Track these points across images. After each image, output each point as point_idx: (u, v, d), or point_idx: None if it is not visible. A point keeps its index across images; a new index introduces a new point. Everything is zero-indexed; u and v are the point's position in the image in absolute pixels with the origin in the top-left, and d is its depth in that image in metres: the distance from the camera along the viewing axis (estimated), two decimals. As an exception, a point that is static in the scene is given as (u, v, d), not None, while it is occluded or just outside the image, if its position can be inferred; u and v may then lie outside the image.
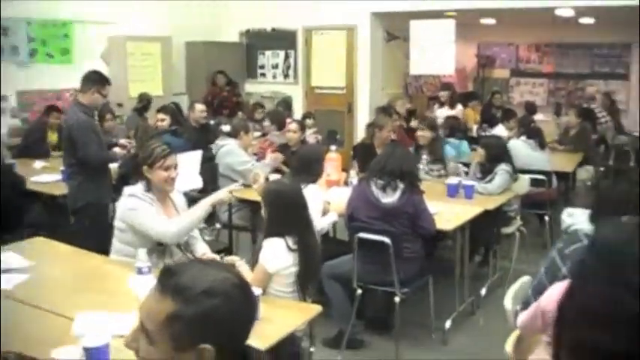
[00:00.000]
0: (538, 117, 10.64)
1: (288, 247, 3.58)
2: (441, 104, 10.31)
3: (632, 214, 2.84)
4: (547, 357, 2.34)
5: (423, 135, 6.66)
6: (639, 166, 10.05)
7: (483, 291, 5.77)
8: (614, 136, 11.35)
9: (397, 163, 4.61)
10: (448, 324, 5.10)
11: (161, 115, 7.60)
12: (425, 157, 6.55)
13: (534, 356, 2.60)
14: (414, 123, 8.77)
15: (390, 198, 4.54)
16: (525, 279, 3.32)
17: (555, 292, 2.46)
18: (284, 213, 3.63)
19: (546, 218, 6.82)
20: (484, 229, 5.60)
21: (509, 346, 2.87)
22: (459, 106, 10.19)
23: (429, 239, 4.80)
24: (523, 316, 2.69)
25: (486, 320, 5.32)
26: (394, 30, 10.90)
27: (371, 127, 7.08)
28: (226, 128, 6.86)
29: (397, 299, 4.54)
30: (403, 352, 4.69)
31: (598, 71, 13.77)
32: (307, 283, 3.69)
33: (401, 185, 4.54)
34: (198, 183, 5.67)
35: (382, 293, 4.79)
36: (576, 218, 3.28)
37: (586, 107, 10.85)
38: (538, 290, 2.81)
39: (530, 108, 11.33)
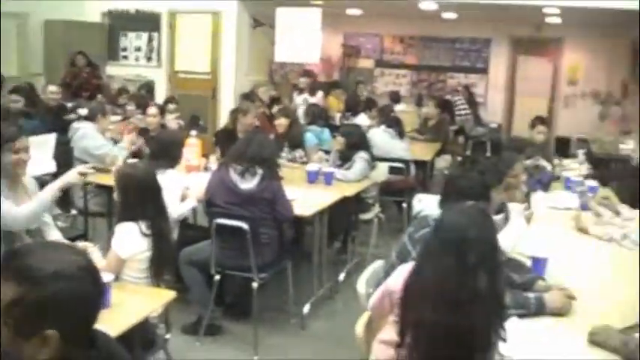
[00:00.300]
0: (400, 107, 10.95)
1: (142, 231, 3.52)
2: (301, 91, 10.42)
3: (476, 200, 3.01)
4: (394, 336, 2.44)
5: (280, 123, 6.75)
6: (495, 156, 10.55)
7: (342, 276, 5.89)
8: (472, 128, 11.85)
9: (256, 149, 4.63)
10: (307, 309, 5.19)
11: (14, 97, 7.29)
12: (285, 144, 6.63)
13: (382, 335, 2.68)
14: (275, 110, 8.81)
15: (248, 184, 4.55)
16: (378, 263, 3.41)
17: (401, 273, 2.57)
18: (136, 197, 3.56)
19: (404, 205, 7.05)
20: (343, 215, 5.73)
21: (359, 327, 2.93)
22: (320, 94, 10.32)
23: (292, 225, 4.86)
24: (372, 298, 2.78)
25: (344, 304, 5.45)
26: (261, 16, 10.89)
27: (234, 113, 7.07)
28: (84, 111, 6.65)
29: (255, 285, 4.56)
30: (262, 337, 4.73)
31: (459, 65, 14.31)
32: (161, 269, 3.63)
33: (260, 171, 4.56)
34: (51, 167, 5.47)
35: (240, 279, 4.80)
36: (426, 204, 3.45)
37: (445, 99, 11.29)
38: (389, 274, 2.89)
39: (394, 97, 11.68)
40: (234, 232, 4.50)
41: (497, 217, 4.26)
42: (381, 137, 7.31)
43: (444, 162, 8.89)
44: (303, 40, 9.52)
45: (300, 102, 9.69)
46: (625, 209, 4.97)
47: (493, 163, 4.17)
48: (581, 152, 7.74)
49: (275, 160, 4.93)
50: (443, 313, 2.27)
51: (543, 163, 6.24)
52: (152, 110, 6.74)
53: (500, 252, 2.72)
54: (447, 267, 2.29)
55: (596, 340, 2.72)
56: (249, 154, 4.61)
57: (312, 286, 5.38)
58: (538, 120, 7.18)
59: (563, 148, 11.13)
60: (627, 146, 7.97)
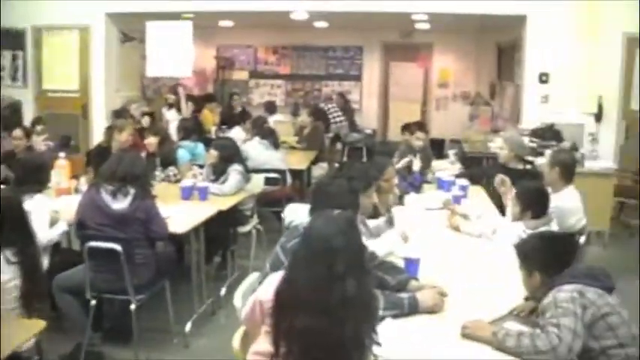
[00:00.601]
0: (276, 117, 11.03)
1: (7, 259, 3.42)
2: (170, 106, 10.32)
3: (343, 207, 3.07)
4: (268, 346, 2.47)
5: (149, 142, 6.67)
6: (370, 161, 10.75)
7: (223, 291, 5.85)
8: (347, 134, 12.06)
9: (128, 167, 4.53)
10: (188, 327, 5.13)
11: None
12: (157, 162, 6.55)
13: (256, 347, 2.68)
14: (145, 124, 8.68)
15: (120, 204, 4.45)
16: (254, 276, 3.41)
17: (271, 283, 2.60)
18: (-1, 224, 3.46)
19: (283, 215, 7.07)
20: (220, 229, 5.71)
21: (236, 341, 2.93)
22: (190, 108, 10.24)
23: (172, 243, 4.80)
24: (244, 310, 2.77)
25: (227, 319, 5.40)
26: (130, 31, 10.69)
27: (109, 130, 6.93)
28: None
29: (133, 306, 4.49)
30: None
31: (333, 72, 14.59)
32: (32, 298, 3.50)
33: (132, 190, 4.46)
34: None
35: (118, 302, 4.70)
36: (298, 213, 3.53)
37: (318, 107, 11.45)
38: (264, 285, 2.94)
39: (270, 108, 11.71)
40: (108, 254, 4.39)
41: (380, 221, 4.40)
42: (256, 149, 7.35)
43: (320, 170, 9.00)
44: (174, 53, 9.42)
45: (171, 117, 9.57)
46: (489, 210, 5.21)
47: (363, 169, 4.25)
48: (452, 152, 8.03)
49: (147, 179, 4.86)
50: (314, 321, 2.32)
51: (415, 164, 6.45)
52: (17, 133, 6.51)
53: (367, 257, 2.83)
54: (316, 275, 2.35)
55: (468, 333, 2.86)
56: (120, 173, 4.50)
57: (192, 304, 5.33)
58: (416, 126, 7.40)
59: (438, 149, 11.48)
60: (495, 144, 8.32)
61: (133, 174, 4.53)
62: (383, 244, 3.96)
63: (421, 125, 7.67)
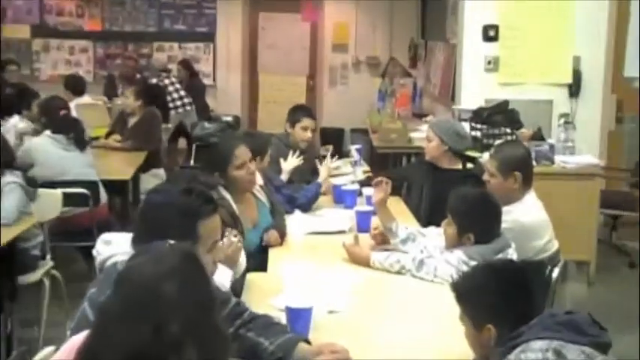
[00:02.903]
0: (82, 100, 10.80)
1: None
2: None
3: (179, 237, 2.99)
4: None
5: None
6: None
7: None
8: (196, 124, 12.10)
9: None
10: None
11: None
12: None
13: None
14: None
15: None
16: (49, 351, 3.22)
17: (65, 351, 2.67)
18: None
19: (93, 252, 6.88)
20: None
21: None
22: None
23: None
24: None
25: None
26: None
27: None
28: None
29: None
30: None
31: (170, 30, 14.78)
32: None
33: None
34: None
35: None
36: (118, 247, 3.47)
37: (151, 84, 11.59)
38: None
39: (72, 84, 11.14)
40: None
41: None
42: (46, 149, 7.19)
43: (154, 180, 8.77)
44: None
45: None
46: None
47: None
48: (354, 148, 7.98)
49: None
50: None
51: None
52: None
53: (220, 308, 2.88)
54: (136, 340, 2.28)
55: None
56: None
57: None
58: (301, 112, 7.31)
59: (334, 143, 11.52)
60: (419, 134, 8.34)
61: None
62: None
63: (307, 111, 7.58)
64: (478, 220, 4.48)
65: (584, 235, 7.57)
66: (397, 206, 6.05)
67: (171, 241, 2.79)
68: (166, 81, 12.36)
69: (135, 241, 3.30)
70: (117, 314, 2.36)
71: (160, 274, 2.38)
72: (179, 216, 3.31)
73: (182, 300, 2.35)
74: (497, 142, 7.15)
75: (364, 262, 4.79)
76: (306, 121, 7.23)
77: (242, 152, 5.05)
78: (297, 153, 6.86)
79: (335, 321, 3.84)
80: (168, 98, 11.86)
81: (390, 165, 9.39)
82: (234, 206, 4.91)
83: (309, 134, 7.18)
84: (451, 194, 4.86)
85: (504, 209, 4.69)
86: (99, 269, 3.51)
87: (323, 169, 6.75)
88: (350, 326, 3.80)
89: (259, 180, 5.40)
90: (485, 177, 5.40)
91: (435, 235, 4.98)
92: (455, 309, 3.28)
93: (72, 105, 9.70)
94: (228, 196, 4.95)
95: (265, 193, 5.51)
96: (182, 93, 12.27)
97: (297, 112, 7.41)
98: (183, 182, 3.94)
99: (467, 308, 3.20)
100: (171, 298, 2.33)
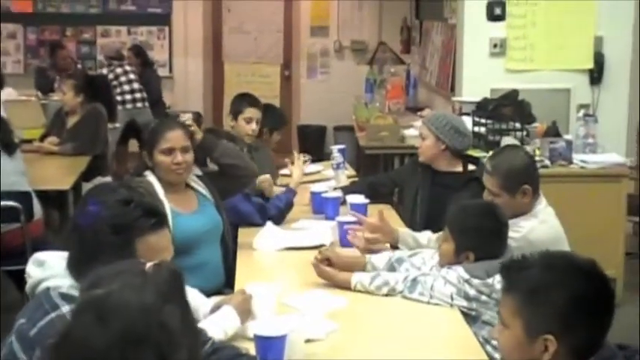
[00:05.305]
0: (9, 95, 10.74)
1: None
2: None
3: (112, 259, 2.84)
4: None
5: None
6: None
7: None
8: (149, 122, 11.92)
9: None
10: None
11: None
12: None
13: None
14: None
15: None
16: None
17: None
18: None
19: (26, 275, 6.86)
20: None
21: None
22: None
23: None
24: None
25: None
26: None
27: None
28: None
29: None
30: None
31: (117, 10, 14.73)
32: None
33: None
34: None
35: None
36: (52, 269, 3.40)
37: (93, 75, 11.54)
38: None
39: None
40: None
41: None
42: None
43: (100, 189, 8.80)
44: None
45: None
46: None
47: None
48: (337, 149, 7.95)
49: None
50: None
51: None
52: None
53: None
54: None
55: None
56: None
57: None
58: (243, 101, 7.27)
59: (313, 143, 11.53)
60: (413, 131, 8.36)
61: None
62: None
63: (248, 98, 7.52)
64: (480, 238, 4.50)
65: (609, 248, 7.51)
66: (388, 215, 6.04)
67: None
68: (118, 70, 12.31)
69: (72, 264, 3.28)
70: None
71: (154, 301, 2.30)
72: (112, 232, 3.26)
73: (184, 326, 2.31)
74: (505, 139, 7.15)
75: (342, 285, 4.74)
76: (250, 111, 7.19)
77: (174, 137, 5.08)
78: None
79: (313, 351, 3.83)
80: (117, 91, 11.84)
81: (380, 168, 9.37)
82: (162, 193, 4.94)
83: (253, 126, 7.14)
84: (450, 207, 4.87)
85: (510, 222, 4.72)
86: (30, 295, 3.45)
87: (295, 170, 6.71)
88: (331, 357, 3.83)
89: (197, 171, 5.42)
90: (486, 197, 5.22)
91: (431, 252, 4.96)
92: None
93: (-3, 101, 9.67)
94: (154, 179, 5.05)
95: (206, 185, 5.46)
96: (135, 86, 12.22)
97: (239, 102, 7.37)
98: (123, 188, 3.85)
99: (523, 308, 2.97)
100: (175, 327, 2.28)
